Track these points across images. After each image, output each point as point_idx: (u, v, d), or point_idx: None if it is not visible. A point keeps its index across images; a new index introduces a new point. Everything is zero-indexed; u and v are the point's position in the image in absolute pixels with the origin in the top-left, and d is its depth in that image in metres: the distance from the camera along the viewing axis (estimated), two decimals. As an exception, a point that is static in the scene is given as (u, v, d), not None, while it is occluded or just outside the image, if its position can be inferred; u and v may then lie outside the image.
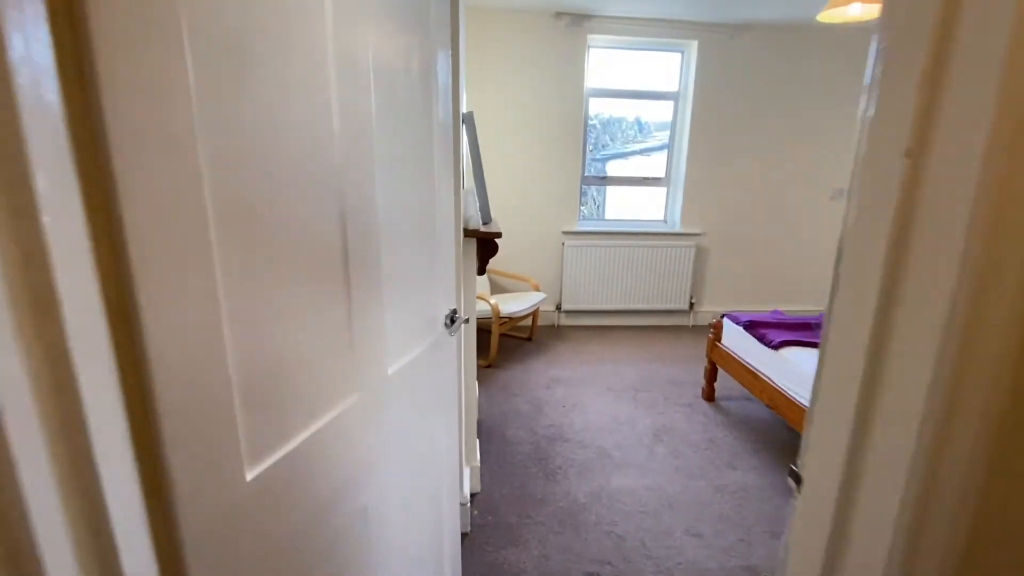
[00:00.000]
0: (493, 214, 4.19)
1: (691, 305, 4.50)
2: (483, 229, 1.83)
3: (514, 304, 3.65)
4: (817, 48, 4.09)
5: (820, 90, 4.18)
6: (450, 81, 1.20)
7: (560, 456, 2.51)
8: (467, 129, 1.90)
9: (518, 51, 3.91)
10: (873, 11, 2.48)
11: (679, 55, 4.20)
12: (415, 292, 1.06)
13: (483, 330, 3.77)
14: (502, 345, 3.96)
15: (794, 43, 4.07)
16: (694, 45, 4.06)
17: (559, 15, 3.84)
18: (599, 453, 2.55)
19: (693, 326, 4.57)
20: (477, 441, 2.34)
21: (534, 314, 3.98)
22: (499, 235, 1.83)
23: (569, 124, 4.10)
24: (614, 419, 2.89)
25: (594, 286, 4.36)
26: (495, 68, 3.92)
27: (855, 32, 4.06)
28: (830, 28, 4.02)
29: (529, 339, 4.11)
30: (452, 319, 1.25)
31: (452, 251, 1.31)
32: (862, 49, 4.14)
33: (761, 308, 4.59)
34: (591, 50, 4.06)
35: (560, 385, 3.31)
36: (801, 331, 2.68)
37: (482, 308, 3.49)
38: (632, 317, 4.52)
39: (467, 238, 1.81)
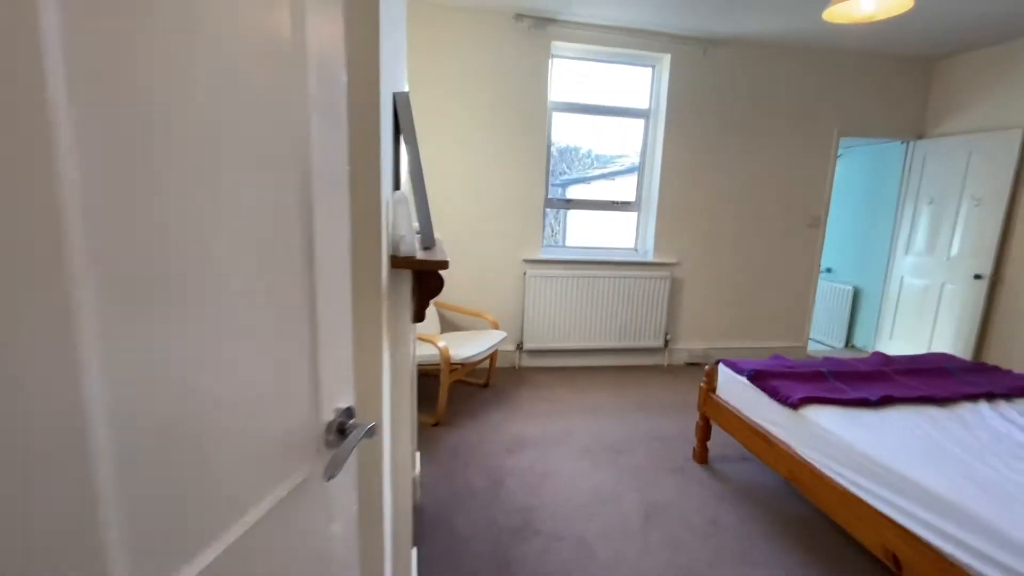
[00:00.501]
0: (444, 239, 3.64)
1: (666, 342, 4.04)
2: (421, 256, 1.24)
3: (468, 346, 3.04)
4: (795, 67, 3.85)
5: (797, 111, 3.93)
6: (340, 52, 0.66)
7: (529, 558, 1.89)
8: (400, 114, 1.33)
9: (474, 56, 3.43)
10: (886, 9, 2.14)
11: (650, 70, 3.85)
12: (245, 390, 0.47)
13: (429, 376, 3.13)
14: (453, 393, 3.32)
15: (770, 61, 3.81)
16: (666, 59, 3.72)
17: (520, 17, 3.40)
18: (579, 548, 1.94)
19: (668, 365, 4.11)
20: (413, 552, 1.68)
21: (492, 356, 3.38)
22: (444, 264, 1.25)
23: (532, 139, 3.62)
24: (595, 495, 2.30)
25: (560, 322, 3.82)
26: (448, 74, 3.41)
27: (833, 51, 3.86)
28: (809, 45, 3.79)
29: (485, 385, 3.49)
30: (343, 428, 0.64)
31: (343, 298, 0.72)
32: (840, 68, 3.93)
33: (738, 344, 4.20)
34: (556, 59, 3.64)
35: (526, 448, 2.70)
36: (817, 382, 2.21)
37: (428, 352, 2.86)
38: (602, 356, 4.00)
39: (397, 269, 1.22)
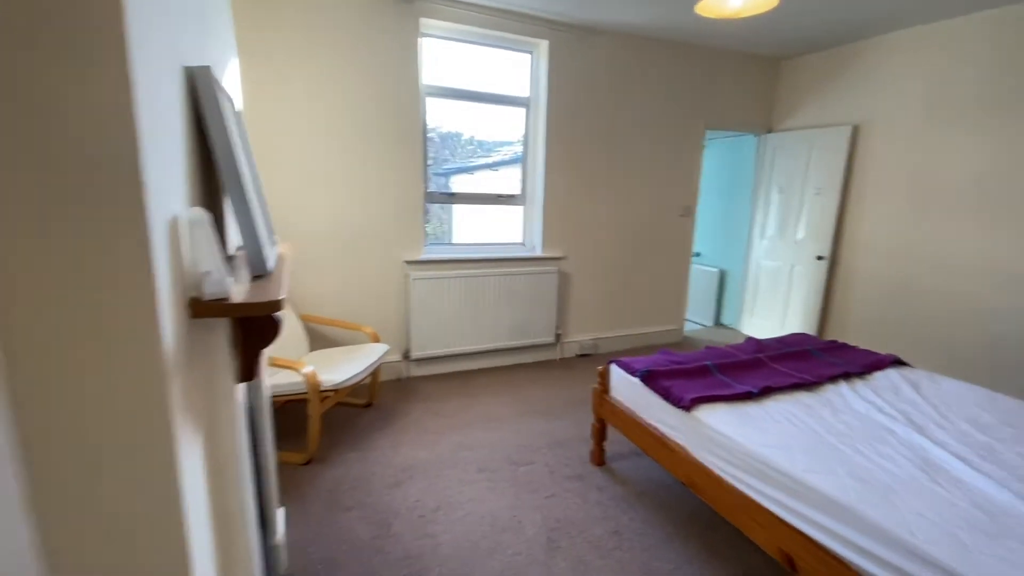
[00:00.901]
0: (309, 247, 3.13)
1: (557, 337, 3.99)
2: (240, 295, 0.89)
3: (344, 367, 2.65)
4: (668, 59, 3.93)
5: (669, 104, 4.04)
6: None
7: (423, 622, 1.63)
8: (202, 96, 0.95)
9: (331, 32, 2.95)
10: (752, 6, 2.15)
11: (528, 56, 3.68)
12: None
13: (295, 403, 2.69)
14: (329, 419, 2.91)
15: (646, 53, 3.85)
16: (544, 46, 3.57)
17: (382, -13, 3.00)
18: (480, 596, 1.73)
19: (561, 359, 4.06)
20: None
21: (374, 372, 3.02)
22: (276, 305, 0.91)
23: (405, 127, 3.26)
24: (494, 523, 2.10)
25: (449, 325, 3.56)
26: (301, 52, 2.90)
27: (700, 47, 4.01)
28: (680, 39, 3.89)
29: (368, 405, 3.12)
30: None
31: None
32: (706, 63, 4.10)
33: (624, 331, 4.29)
34: (426, 39, 3.30)
35: (415, 476, 2.41)
36: (705, 378, 2.22)
37: (291, 380, 2.42)
38: (495, 357, 3.83)
39: (201, 319, 0.86)
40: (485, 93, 3.58)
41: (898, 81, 3.61)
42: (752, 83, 4.35)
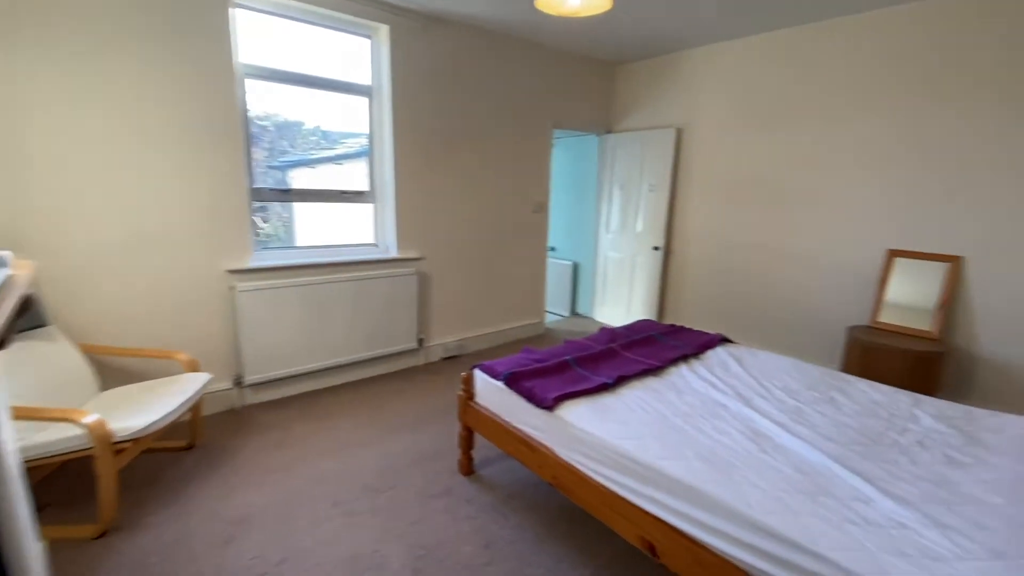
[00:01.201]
0: (88, 257, 2.38)
1: (420, 341, 3.78)
2: None
3: (148, 409, 2.13)
4: (516, 56, 3.93)
5: (519, 101, 4.06)
6: None
7: None
8: None
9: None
10: (588, 7, 2.18)
11: (368, 41, 3.38)
12: None
13: (82, 461, 2.11)
14: (134, 472, 2.34)
15: (493, 47, 3.80)
16: (384, 31, 3.31)
17: (175, -61, 2.47)
18: (335, 660, 1.48)
19: (426, 364, 3.87)
20: None
21: (195, 407, 2.51)
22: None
23: (218, 113, 2.75)
24: (353, 565, 1.85)
25: (291, 341, 3.13)
26: (59, 16, 2.25)
27: (546, 47, 4.09)
28: (526, 37, 3.90)
29: (189, 447, 2.59)
30: None
31: None
32: (552, 64, 4.19)
33: (488, 330, 4.26)
34: (240, 10, 2.82)
35: (253, 527, 2.03)
36: (565, 374, 2.23)
37: (67, 435, 1.86)
38: (350, 371, 3.49)
39: None
40: (319, 78, 3.21)
41: (712, 89, 4.09)
42: (593, 85, 4.60)
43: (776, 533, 1.31)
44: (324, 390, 3.36)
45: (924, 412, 2.02)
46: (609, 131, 4.87)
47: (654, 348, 2.65)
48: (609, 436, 1.75)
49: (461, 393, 2.41)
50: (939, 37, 2.99)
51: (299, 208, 3.49)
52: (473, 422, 2.36)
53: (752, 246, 3.98)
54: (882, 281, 3.31)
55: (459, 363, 3.91)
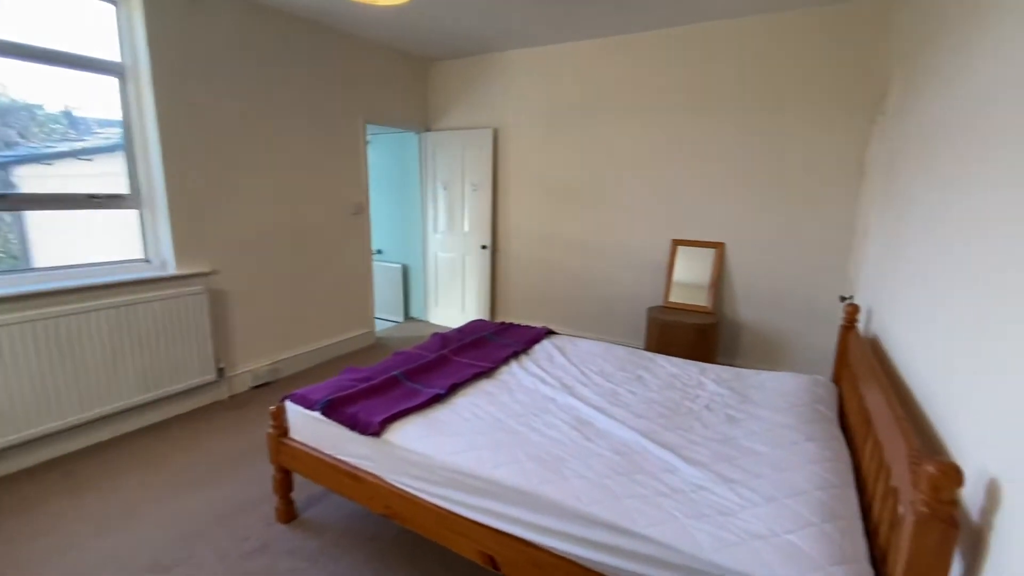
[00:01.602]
0: None
1: (220, 371, 3.20)
2: None
3: None
4: (316, 43, 3.54)
5: (323, 93, 3.69)
6: None
7: None
8: None
9: None
10: (385, -10, 2.03)
11: (112, 8, 2.69)
12: None
13: None
14: None
15: (294, 33, 3.36)
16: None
17: None
18: None
19: (231, 397, 3.29)
20: None
21: None
22: None
23: None
24: None
25: (29, 394, 2.35)
26: None
27: (353, 37, 3.77)
28: (327, 24, 3.54)
29: None
30: None
31: None
32: (361, 56, 3.90)
33: (310, 347, 3.83)
34: None
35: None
36: (393, 391, 2.06)
37: None
38: (124, 421, 2.78)
39: None
40: (36, 47, 2.44)
41: (523, 92, 4.26)
42: (407, 81, 4.44)
43: (602, 521, 1.36)
44: (91, 448, 2.62)
45: (708, 379, 2.36)
46: (428, 129, 4.77)
47: (486, 349, 2.63)
48: (441, 453, 1.65)
49: (271, 431, 2.07)
50: (696, 58, 3.55)
51: (35, 218, 2.63)
52: (289, 462, 2.05)
53: (568, 241, 4.28)
54: (670, 267, 3.84)
55: (274, 390, 3.42)
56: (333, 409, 1.88)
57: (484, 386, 2.21)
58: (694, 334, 3.42)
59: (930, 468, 0.92)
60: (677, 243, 3.83)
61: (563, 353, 2.68)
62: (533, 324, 4.52)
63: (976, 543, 0.95)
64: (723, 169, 3.59)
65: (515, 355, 2.60)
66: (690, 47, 3.56)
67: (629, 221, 4.00)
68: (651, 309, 3.76)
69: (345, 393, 1.97)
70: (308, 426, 1.98)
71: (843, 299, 2.88)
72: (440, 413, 1.92)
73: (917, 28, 2.14)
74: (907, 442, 1.13)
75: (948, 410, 1.22)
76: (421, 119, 4.69)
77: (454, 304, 4.86)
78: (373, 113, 4.15)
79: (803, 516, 1.33)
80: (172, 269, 2.92)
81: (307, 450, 1.98)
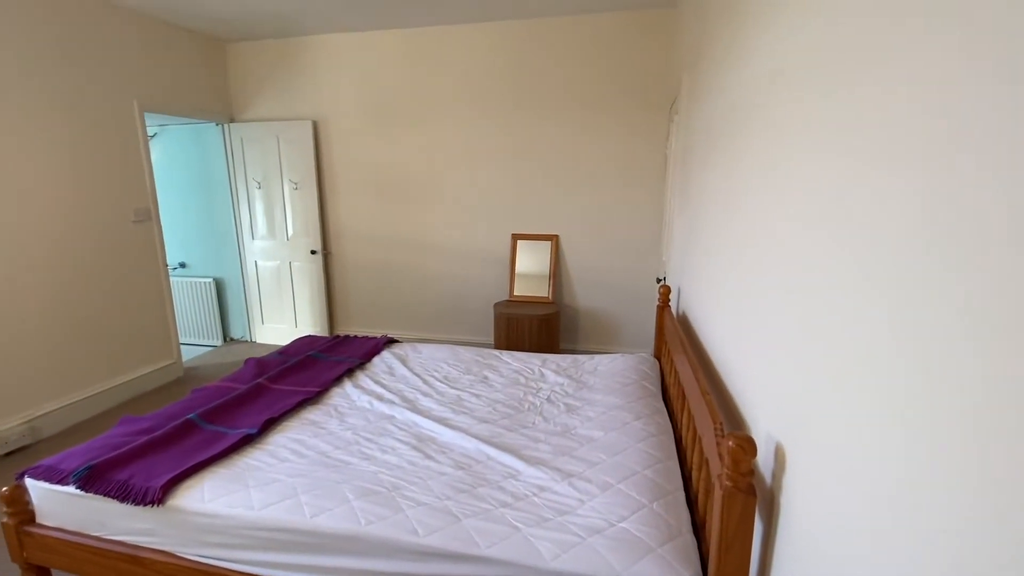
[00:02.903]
0: None
1: (-62, 445, 2.34)
2: None
3: None
4: (65, 8, 2.74)
5: (83, 72, 2.90)
6: None
7: None
8: None
9: None
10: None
11: None
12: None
13: None
14: None
15: (-7, -14, 2.54)
16: None
17: None
18: None
19: (-40, 478, 2.44)
20: None
21: None
22: None
23: None
24: None
25: None
26: None
27: (114, 8, 3.01)
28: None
29: None
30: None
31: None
32: (131, 32, 3.15)
33: (92, 392, 3.05)
34: None
35: None
36: (187, 440, 1.67)
37: None
38: None
39: None
40: None
41: (342, 80, 3.90)
42: (196, 63, 3.76)
43: (441, 551, 1.24)
44: None
45: (548, 369, 2.40)
46: (232, 120, 4.13)
47: (314, 371, 2.33)
48: (247, 510, 1.36)
49: (7, 520, 1.54)
50: (518, 54, 3.61)
51: None
52: (41, 555, 1.54)
53: (407, 241, 4.08)
54: (512, 261, 3.88)
55: (29, 456, 2.63)
56: (95, 478, 1.45)
57: (309, 415, 1.93)
58: (538, 325, 3.50)
59: (730, 443, 0.97)
60: (517, 237, 3.89)
61: (404, 363, 2.50)
62: (375, 334, 4.24)
63: (770, 504, 1.04)
64: (552, 163, 3.72)
65: (349, 373, 2.34)
66: (513, 42, 3.61)
67: (469, 217, 3.95)
68: (497, 304, 3.76)
69: (114, 454, 1.54)
70: (62, 506, 1.50)
71: (658, 281, 3.19)
72: (250, 458, 1.61)
73: (698, 37, 2.41)
74: (712, 416, 1.21)
75: (742, 381, 1.35)
76: (222, 108, 4.04)
77: (284, 319, 4.33)
78: (152, 99, 3.42)
79: (634, 499, 1.37)
80: None
81: (64, 537, 1.51)
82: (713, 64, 1.87)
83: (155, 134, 4.13)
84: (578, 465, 1.57)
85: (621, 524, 1.28)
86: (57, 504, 1.51)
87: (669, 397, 2.14)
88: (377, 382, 2.25)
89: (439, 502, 1.39)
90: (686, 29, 2.77)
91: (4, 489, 1.53)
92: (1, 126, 2.57)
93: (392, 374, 2.37)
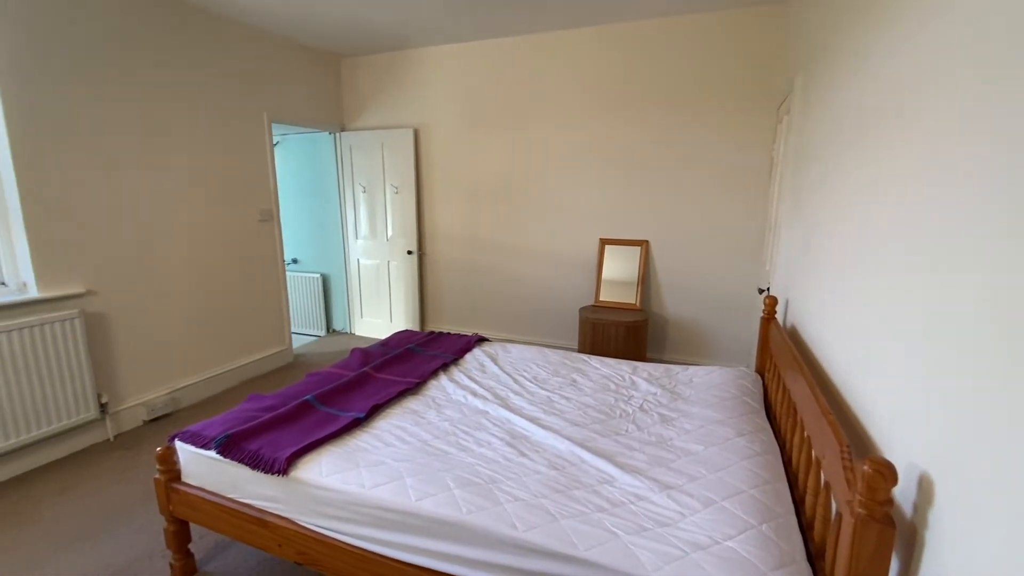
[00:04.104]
0: None
1: (103, 407, 2.77)
2: None
3: None
4: (212, 33, 3.17)
5: (225, 88, 3.31)
6: None
7: None
8: None
9: None
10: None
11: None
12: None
13: None
14: None
15: (172, 18, 2.97)
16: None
17: None
18: None
19: (118, 436, 2.86)
20: None
21: None
22: None
23: None
24: None
25: None
26: None
27: (250, 27, 3.41)
28: (221, 12, 3.18)
29: None
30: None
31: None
32: (263, 50, 3.55)
33: (217, 370, 3.44)
34: None
35: None
36: (306, 419, 1.84)
37: None
38: (-26, 477, 2.31)
39: None
40: None
41: (444, 89, 4.10)
42: (316, 77, 4.13)
43: (540, 548, 1.25)
44: (-81, 519, 2.14)
45: (640, 377, 2.34)
46: (343, 129, 4.48)
47: (412, 363, 2.46)
48: (359, 488, 1.47)
49: (159, 476, 1.78)
50: (616, 57, 3.57)
51: None
52: (183, 510, 1.77)
53: (497, 243, 4.18)
54: (599, 266, 3.84)
55: (174, 422, 3.02)
56: (232, 446, 1.63)
57: (410, 404, 2.04)
58: (625, 332, 3.43)
59: (866, 467, 0.89)
60: (605, 242, 3.84)
61: (495, 361, 2.56)
62: (465, 331, 4.38)
63: (910, 540, 0.94)
64: (644, 167, 3.64)
65: (444, 367, 2.44)
66: (610, 46, 3.58)
67: (558, 221, 3.97)
68: (583, 309, 3.74)
69: (246, 427, 1.72)
70: (203, 468, 1.71)
71: (761, 291, 3.00)
72: (359, 440, 1.73)
73: (815, 35, 2.24)
74: (837, 438, 1.12)
75: (869, 401, 1.23)
76: (335, 118, 4.40)
77: (381, 314, 4.60)
78: (279, 111, 3.81)
79: (741, 519, 1.30)
80: (33, 292, 2.47)
81: (204, 496, 1.71)
82: (855, 58, 1.73)
83: (278, 142, 4.58)
84: (677, 478, 1.52)
85: (727, 543, 1.22)
86: (200, 466, 1.72)
87: (774, 415, 2.00)
88: (471, 378, 2.33)
89: (535, 499, 1.41)
90: (801, 25, 2.59)
91: (158, 449, 1.78)
92: (165, 140, 3.00)
93: (483, 371, 2.44)
